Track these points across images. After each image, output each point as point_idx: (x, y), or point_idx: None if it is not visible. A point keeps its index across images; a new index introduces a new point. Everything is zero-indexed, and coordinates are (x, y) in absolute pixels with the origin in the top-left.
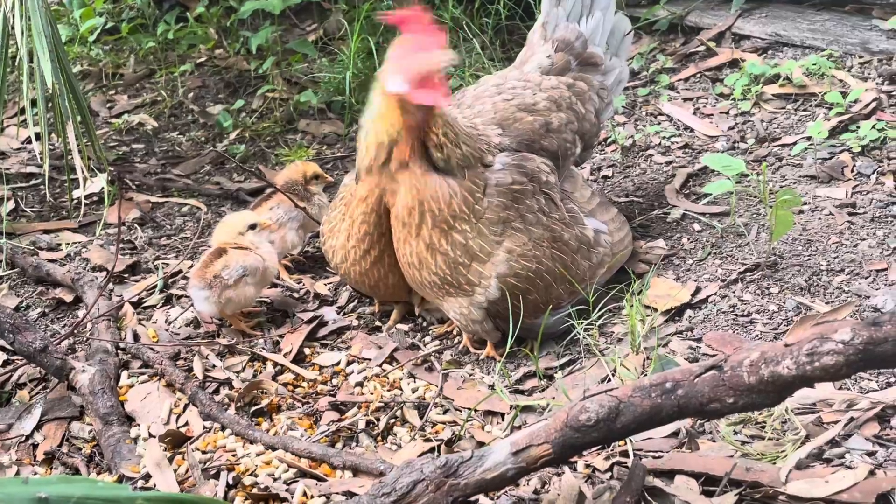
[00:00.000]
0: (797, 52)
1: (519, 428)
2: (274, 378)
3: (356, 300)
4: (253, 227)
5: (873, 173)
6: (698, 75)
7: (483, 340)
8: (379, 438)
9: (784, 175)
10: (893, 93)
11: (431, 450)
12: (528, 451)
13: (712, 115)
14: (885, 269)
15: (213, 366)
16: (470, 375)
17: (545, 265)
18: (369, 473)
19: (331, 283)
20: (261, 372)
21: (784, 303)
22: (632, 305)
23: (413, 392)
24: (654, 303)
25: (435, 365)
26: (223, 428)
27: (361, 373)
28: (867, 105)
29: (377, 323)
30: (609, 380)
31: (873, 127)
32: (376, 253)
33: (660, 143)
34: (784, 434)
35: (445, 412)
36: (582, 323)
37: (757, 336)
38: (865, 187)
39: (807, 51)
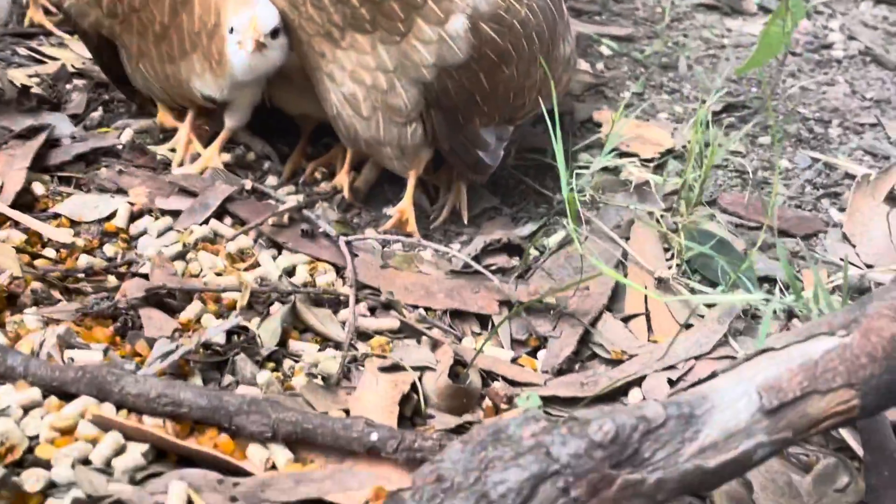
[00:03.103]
0: None
1: (526, 343)
2: None
3: (100, 105)
4: None
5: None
6: None
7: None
8: (273, 369)
9: (674, 1)
10: None
11: (405, 398)
12: (803, 403)
13: None
14: (877, 125)
15: None
16: (386, 246)
17: (536, 19)
18: (338, 448)
19: (43, 72)
20: None
21: (794, 158)
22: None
23: (289, 275)
24: (624, 146)
25: (320, 225)
26: None
27: (166, 235)
28: None
29: (161, 150)
30: (624, 261)
31: None
32: None
33: None
34: None
35: (373, 311)
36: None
37: (788, 202)
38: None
39: None
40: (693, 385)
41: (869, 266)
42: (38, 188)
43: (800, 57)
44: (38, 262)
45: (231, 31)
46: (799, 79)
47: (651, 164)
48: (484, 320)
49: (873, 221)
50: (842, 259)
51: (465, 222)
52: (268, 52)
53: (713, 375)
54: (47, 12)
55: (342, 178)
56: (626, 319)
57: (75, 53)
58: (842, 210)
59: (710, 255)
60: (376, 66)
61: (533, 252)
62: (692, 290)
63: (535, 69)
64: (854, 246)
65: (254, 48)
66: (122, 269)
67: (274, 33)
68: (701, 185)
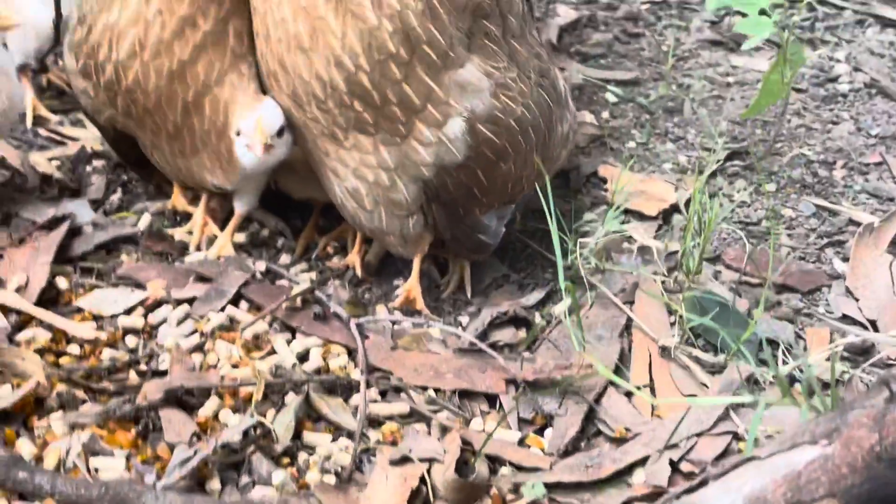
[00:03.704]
0: None
1: (532, 422)
2: (10, 339)
3: (118, 187)
4: None
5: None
6: None
7: (382, 256)
8: (288, 464)
9: (679, 39)
10: None
11: (415, 492)
12: None
13: None
14: (882, 164)
15: None
16: (395, 325)
17: (531, 115)
18: None
19: (63, 154)
20: None
21: (798, 206)
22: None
23: (302, 360)
24: (632, 205)
25: (331, 306)
26: None
27: (184, 324)
28: None
29: (178, 234)
30: (629, 326)
31: None
32: (211, 24)
33: None
34: None
35: (384, 395)
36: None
37: (791, 253)
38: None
39: None
40: (686, 491)
41: (872, 322)
42: (62, 282)
43: (805, 93)
44: (63, 360)
45: (238, 133)
46: (804, 117)
47: (655, 224)
48: (492, 399)
49: (876, 272)
50: (842, 317)
51: (469, 297)
52: (274, 149)
53: (703, 483)
54: (62, 92)
55: (353, 258)
56: (629, 393)
57: (94, 134)
58: (845, 260)
59: (712, 326)
60: (378, 165)
61: (540, 321)
62: (696, 360)
63: (531, 159)
64: (857, 300)
65: (263, 151)
66: (143, 366)
67: (279, 132)
68: (701, 252)
